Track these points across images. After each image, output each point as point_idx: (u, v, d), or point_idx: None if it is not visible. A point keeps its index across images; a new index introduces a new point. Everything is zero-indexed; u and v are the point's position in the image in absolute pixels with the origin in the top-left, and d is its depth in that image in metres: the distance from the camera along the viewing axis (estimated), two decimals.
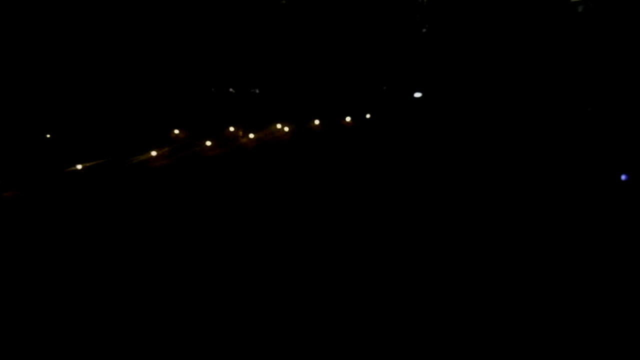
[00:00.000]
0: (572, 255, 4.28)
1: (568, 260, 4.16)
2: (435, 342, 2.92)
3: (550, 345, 2.87)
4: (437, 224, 5.15)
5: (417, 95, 13.56)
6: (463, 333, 3.04)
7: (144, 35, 12.91)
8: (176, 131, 10.42)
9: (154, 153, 8.48)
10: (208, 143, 9.29)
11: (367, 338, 2.98)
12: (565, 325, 3.08)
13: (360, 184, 6.70)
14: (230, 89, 14.21)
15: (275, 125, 11.08)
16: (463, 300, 3.50)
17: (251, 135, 10.11)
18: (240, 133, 10.39)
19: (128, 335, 3.09)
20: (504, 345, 2.88)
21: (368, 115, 12.31)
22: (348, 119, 11.73)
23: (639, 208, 5.33)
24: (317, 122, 11.46)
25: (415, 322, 3.15)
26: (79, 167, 7.55)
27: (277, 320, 3.24)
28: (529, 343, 2.90)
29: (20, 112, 10.98)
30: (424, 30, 13.67)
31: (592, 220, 5.09)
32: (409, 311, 3.32)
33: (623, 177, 6.27)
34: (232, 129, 10.64)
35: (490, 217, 5.35)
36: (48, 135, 9.89)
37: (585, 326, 3.06)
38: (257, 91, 14.25)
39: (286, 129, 10.89)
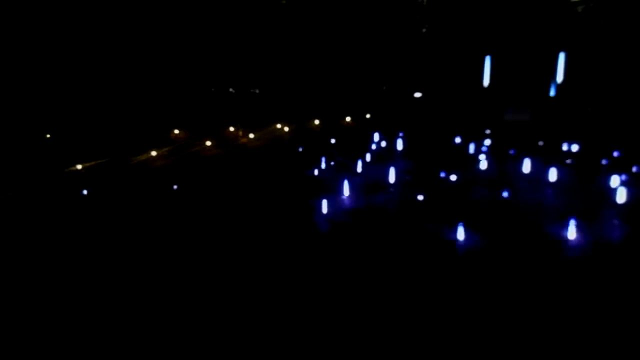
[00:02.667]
0: (571, 255, 4.28)
1: (567, 260, 4.17)
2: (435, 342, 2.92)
3: (548, 344, 2.87)
4: (435, 222, 5.15)
5: (417, 95, 13.55)
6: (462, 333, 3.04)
7: (144, 36, 12.91)
8: (176, 131, 10.41)
9: (154, 153, 8.48)
10: (208, 143, 9.29)
11: (367, 339, 2.99)
12: (563, 326, 3.08)
13: (360, 183, 6.70)
14: (230, 89, 14.21)
15: (275, 125, 11.08)
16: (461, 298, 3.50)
17: (251, 135, 10.11)
18: (240, 133, 10.39)
19: (128, 336, 3.09)
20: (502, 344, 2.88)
21: (368, 115, 12.31)
22: (348, 119, 11.74)
23: (639, 207, 5.33)
24: (317, 122, 11.46)
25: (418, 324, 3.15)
26: (79, 167, 7.55)
27: (277, 321, 3.25)
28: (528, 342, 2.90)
29: (20, 112, 10.98)
30: (424, 30, 13.67)
31: (591, 220, 5.09)
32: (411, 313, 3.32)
33: (623, 177, 6.28)
34: (232, 129, 10.64)
35: (489, 216, 5.35)
36: (48, 135, 9.89)
37: (583, 326, 3.06)
38: (257, 91, 14.26)
39: (286, 128, 10.89)
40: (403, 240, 4.63)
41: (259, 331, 3.02)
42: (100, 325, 3.17)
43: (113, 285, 3.77)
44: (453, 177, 6.46)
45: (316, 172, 7.03)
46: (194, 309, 3.32)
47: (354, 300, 3.43)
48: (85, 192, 6.36)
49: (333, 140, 9.10)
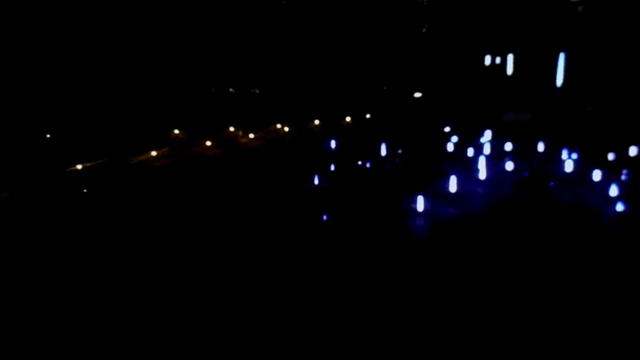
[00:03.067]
0: (572, 256, 4.28)
1: (567, 260, 4.17)
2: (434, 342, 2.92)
3: (547, 345, 2.87)
4: (434, 222, 5.15)
5: (417, 95, 13.56)
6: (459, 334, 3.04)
7: (144, 36, 12.92)
8: (176, 131, 10.42)
9: (154, 153, 8.49)
10: (208, 143, 9.30)
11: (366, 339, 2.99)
12: (563, 326, 3.08)
13: (360, 183, 6.70)
14: (230, 89, 14.21)
15: (276, 126, 11.08)
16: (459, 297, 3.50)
17: (251, 136, 10.11)
18: (240, 133, 10.39)
19: (127, 336, 3.09)
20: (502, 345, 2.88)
21: (368, 115, 12.31)
22: (348, 119, 11.74)
23: (638, 207, 5.33)
24: (317, 122, 11.46)
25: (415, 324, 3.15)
26: (79, 167, 7.56)
27: (277, 321, 3.25)
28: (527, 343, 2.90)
29: (20, 112, 10.98)
30: (424, 30, 13.67)
31: (591, 219, 5.09)
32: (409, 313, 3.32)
33: (623, 177, 6.28)
34: (232, 129, 10.64)
35: (490, 215, 5.35)
36: (48, 135, 9.90)
37: (582, 327, 3.06)
38: (257, 91, 14.26)
39: (286, 129, 10.89)
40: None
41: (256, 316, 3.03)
42: (100, 325, 3.17)
43: (113, 286, 3.77)
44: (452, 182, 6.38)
45: (317, 176, 7.00)
46: (189, 308, 3.33)
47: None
48: (85, 192, 6.36)
49: (333, 143, 9.04)
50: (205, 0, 13.46)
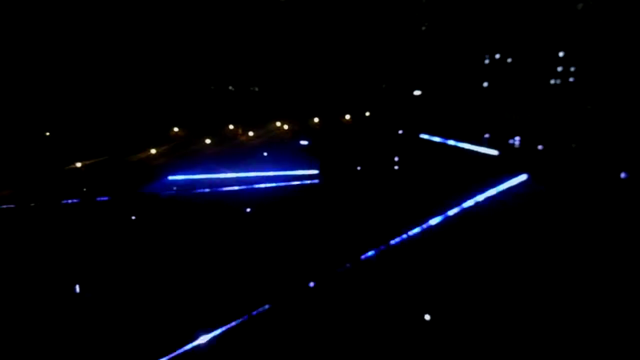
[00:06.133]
0: (572, 253, 4.30)
1: (568, 258, 4.18)
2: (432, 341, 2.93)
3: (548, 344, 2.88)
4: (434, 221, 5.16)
5: (417, 94, 13.52)
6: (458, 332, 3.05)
7: (144, 35, 12.89)
8: (175, 129, 10.40)
9: (153, 151, 8.48)
10: (207, 141, 9.29)
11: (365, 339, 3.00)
12: (564, 325, 3.09)
13: (360, 184, 6.71)
14: (230, 87, 14.18)
15: (275, 124, 11.05)
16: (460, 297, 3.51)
17: (251, 133, 10.11)
18: (240, 131, 10.38)
19: (127, 333, 3.10)
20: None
21: (367, 113, 12.27)
22: (347, 117, 11.70)
23: (639, 207, 5.34)
24: (316, 120, 11.43)
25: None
26: (79, 165, 7.56)
27: (276, 319, 3.25)
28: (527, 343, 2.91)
29: (20, 111, 10.93)
30: (423, 29, 13.64)
31: (592, 218, 5.10)
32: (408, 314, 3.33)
33: (623, 176, 6.27)
34: (231, 126, 10.62)
35: (492, 215, 5.37)
36: (48, 134, 9.87)
37: (583, 326, 3.07)
38: (257, 89, 14.22)
39: (285, 127, 10.87)
40: None
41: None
42: (100, 320, 3.18)
43: (112, 284, 3.77)
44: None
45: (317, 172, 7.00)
46: (189, 305, 3.33)
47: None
48: (84, 189, 6.35)
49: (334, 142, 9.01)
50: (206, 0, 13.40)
